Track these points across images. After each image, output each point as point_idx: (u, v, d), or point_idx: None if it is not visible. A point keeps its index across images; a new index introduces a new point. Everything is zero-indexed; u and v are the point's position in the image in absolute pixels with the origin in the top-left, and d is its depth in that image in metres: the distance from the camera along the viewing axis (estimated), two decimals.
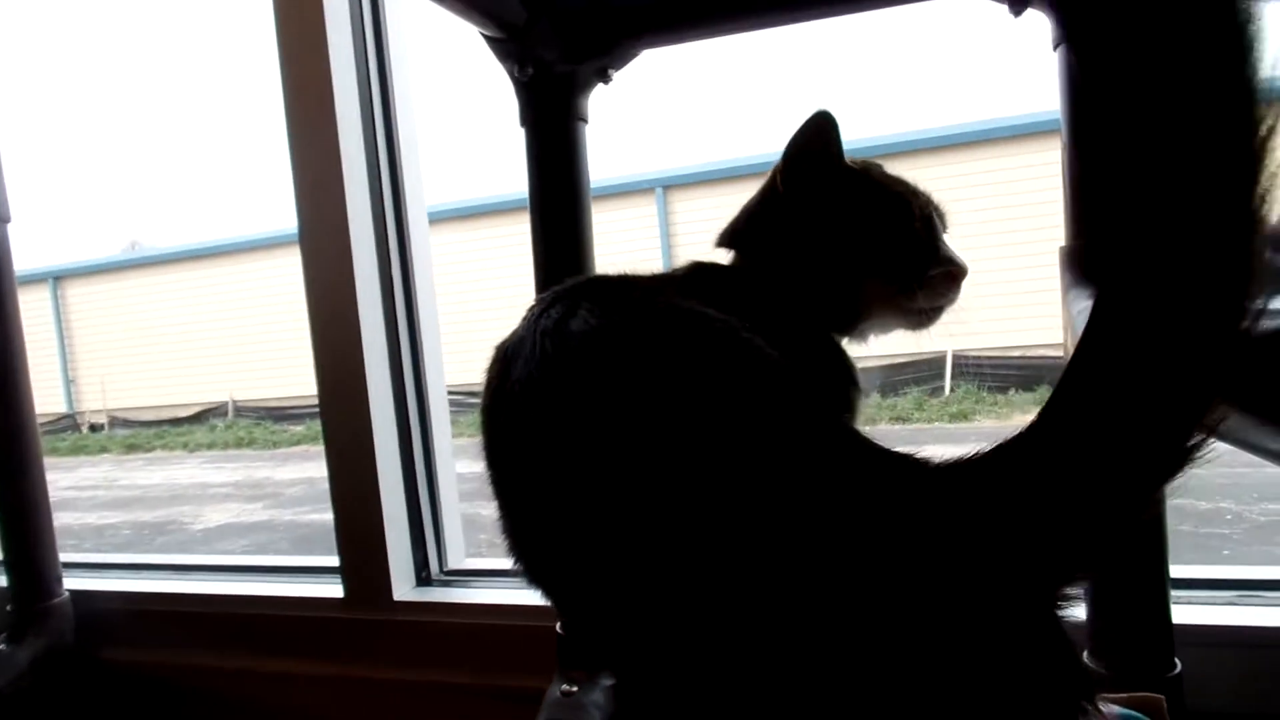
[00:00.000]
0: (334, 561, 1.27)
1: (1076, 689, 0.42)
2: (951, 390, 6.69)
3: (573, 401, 0.46)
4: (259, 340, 9.69)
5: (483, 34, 0.89)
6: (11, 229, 1.34)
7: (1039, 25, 0.77)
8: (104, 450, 9.56)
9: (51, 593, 1.36)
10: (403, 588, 1.24)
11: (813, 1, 0.86)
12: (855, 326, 0.72)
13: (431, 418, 1.29)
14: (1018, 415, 6.19)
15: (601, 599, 0.48)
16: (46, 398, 10.34)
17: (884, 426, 5.81)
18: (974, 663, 0.40)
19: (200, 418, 10.38)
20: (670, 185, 8.23)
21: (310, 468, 6.96)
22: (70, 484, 7.18)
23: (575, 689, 0.89)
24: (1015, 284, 5.79)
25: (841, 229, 0.69)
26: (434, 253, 1.32)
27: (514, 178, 0.97)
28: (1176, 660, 0.78)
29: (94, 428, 10.87)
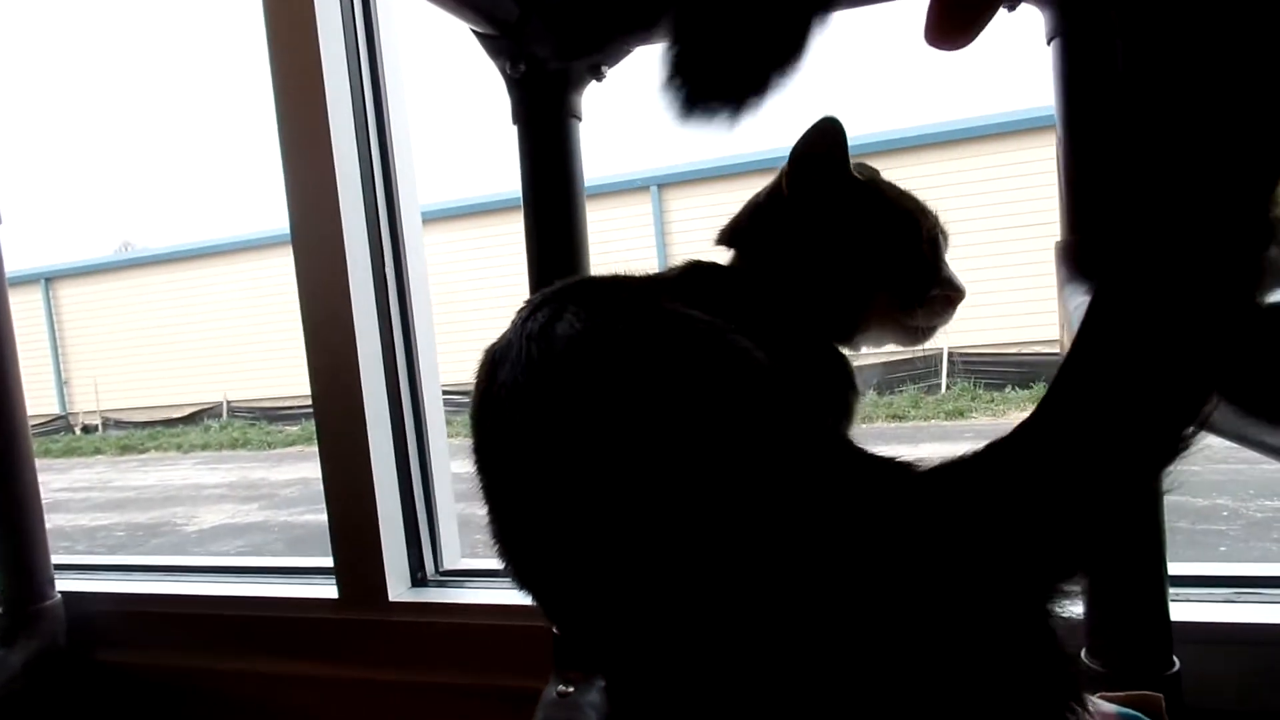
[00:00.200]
0: (329, 562, 1.27)
1: (1065, 691, 0.41)
2: (947, 388, 6.70)
3: (558, 407, 0.46)
4: (253, 340, 9.68)
5: (474, 30, 0.88)
6: (3, 229, 1.33)
7: (1033, 20, 0.77)
8: (98, 451, 9.52)
9: (43, 595, 1.35)
10: (398, 588, 1.23)
11: None
12: (851, 337, 0.72)
13: (426, 417, 1.29)
14: (1014, 412, 6.20)
15: (587, 605, 0.48)
16: (39, 399, 10.31)
17: (880, 424, 5.82)
18: (961, 666, 0.39)
19: (194, 418, 10.35)
20: (665, 183, 8.24)
21: (305, 468, 6.95)
22: (63, 485, 7.16)
23: (571, 689, 0.89)
24: (1010, 280, 5.81)
25: (848, 241, 0.69)
26: (428, 252, 1.32)
27: (507, 176, 0.97)
28: (1175, 658, 0.78)
29: (87, 429, 10.83)
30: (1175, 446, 0.38)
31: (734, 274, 0.70)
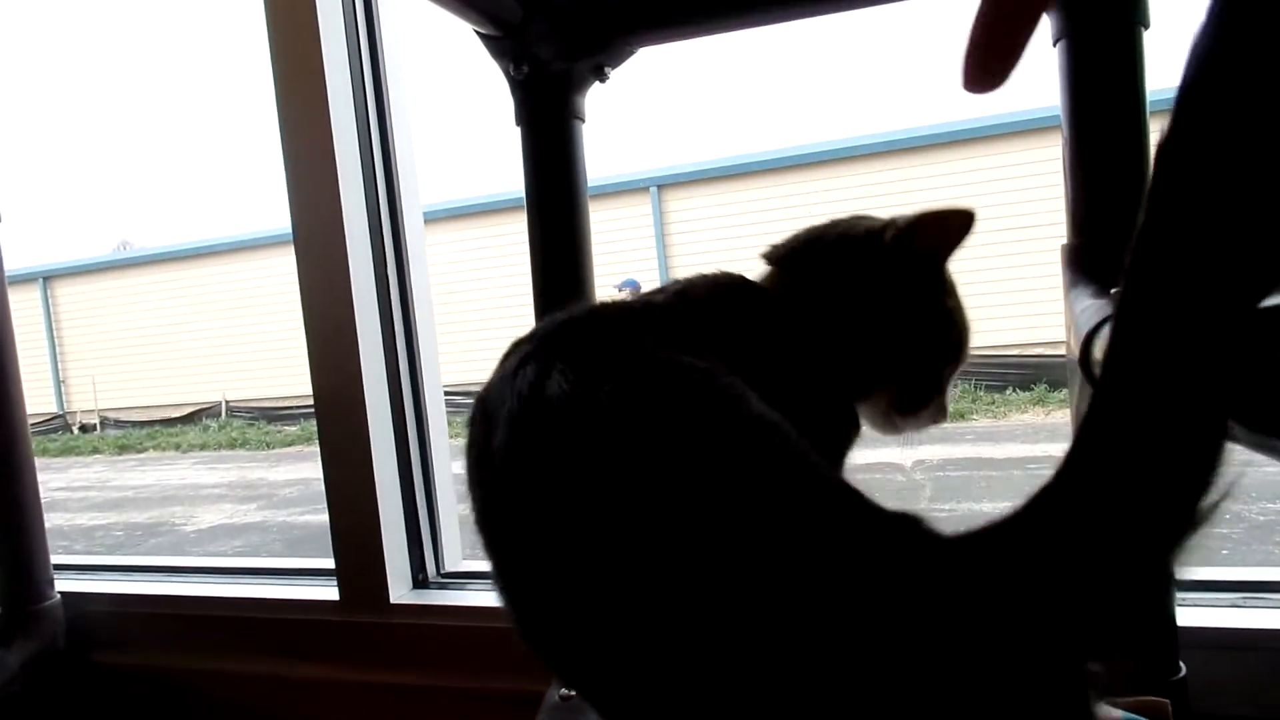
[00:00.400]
0: (329, 564, 1.26)
1: None
2: None
3: (549, 477, 0.46)
4: (252, 340, 9.68)
5: (478, 32, 0.88)
6: (2, 228, 1.33)
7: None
8: (95, 451, 9.52)
9: (42, 595, 1.35)
10: (399, 590, 1.23)
11: None
12: (846, 399, 0.70)
13: (428, 418, 1.28)
14: (1014, 414, 6.21)
15: (591, 672, 0.47)
16: (37, 398, 10.30)
17: None
18: None
19: (193, 418, 10.35)
20: (665, 184, 8.25)
21: (304, 468, 6.95)
22: (61, 485, 7.16)
23: (574, 693, 0.88)
24: (1011, 282, 5.81)
25: (904, 326, 0.67)
26: (430, 252, 1.31)
27: (510, 177, 0.97)
28: (1181, 663, 0.77)
29: (85, 428, 10.83)
30: (1200, 514, 0.37)
31: (770, 300, 0.67)
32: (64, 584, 1.40)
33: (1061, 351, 0.74)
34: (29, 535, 1.34)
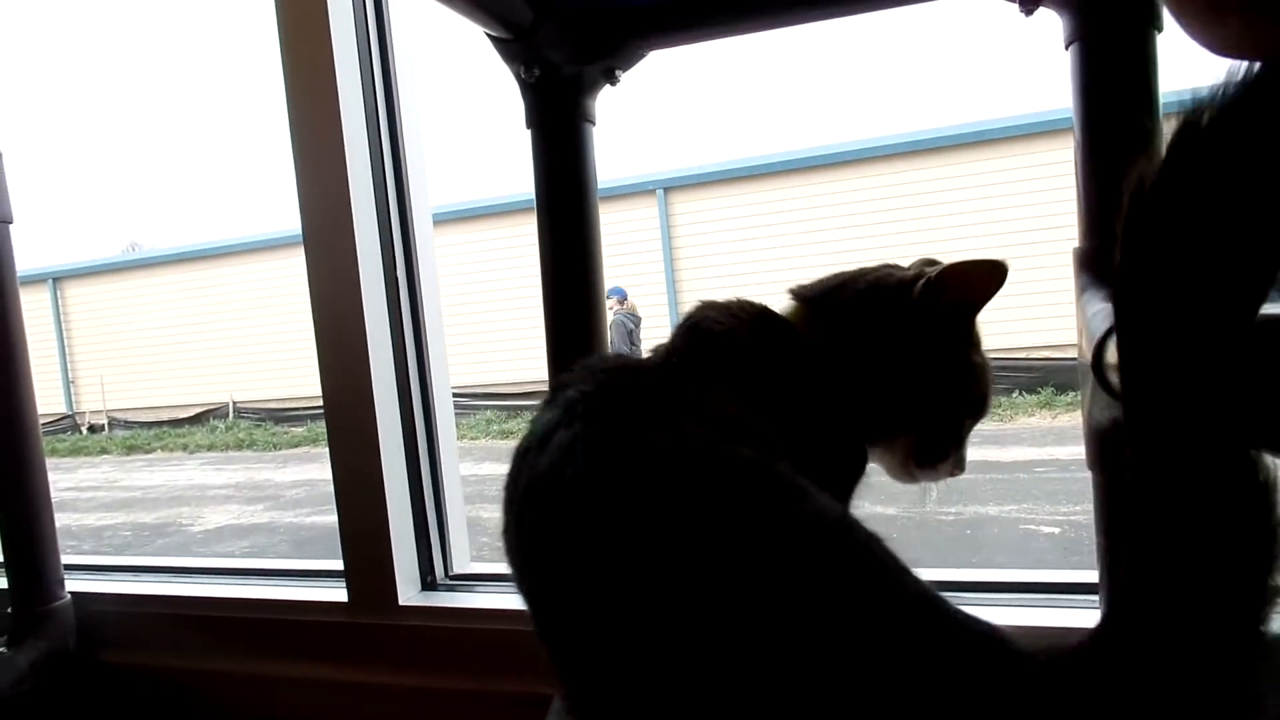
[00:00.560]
0: (338, 565, 1.26)
1: None
2: None
3: (577, 555, 0.47)
4: (259, 341, 9.71)
5: (489, 35, 0.88)
6: (12, 229, 1.33)
7: (1050, 24, 0.76)
8: (104, 451, 9.56)
9: (53, 595, 1.35)
10: (408, 592, 1.23)
11: (822, 1, 0.86)
12: (865, 443, 0.70)
13: (436, 420, 1.28)
14: (1020, 417, 6.19)
15: None
16: (46, 398, 10.34)
17: None
18: None
19: (200, 419, 10.38)
20: (671, 187, 8.25)
21: (311, 469, 6.97)
22: (70, 485, 7.18)
23: None
24: (1019, 285, 5.78)
25: (930, 376, 0.68)
26: (439, 254, 1.31)
27: (520, 179, 0.97)
28: None
29: (93, 429, 10.87)
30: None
31: (802, 343, 0.67)
32: (74, 584, 1.40)
33: (1068, 355, 0.74)
34: (39, 535, 1.35)
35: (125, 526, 5.48)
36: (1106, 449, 0.70)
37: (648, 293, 7.95)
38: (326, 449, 1.25)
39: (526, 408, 8.02)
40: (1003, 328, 6.15)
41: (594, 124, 0.92)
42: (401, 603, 1.22)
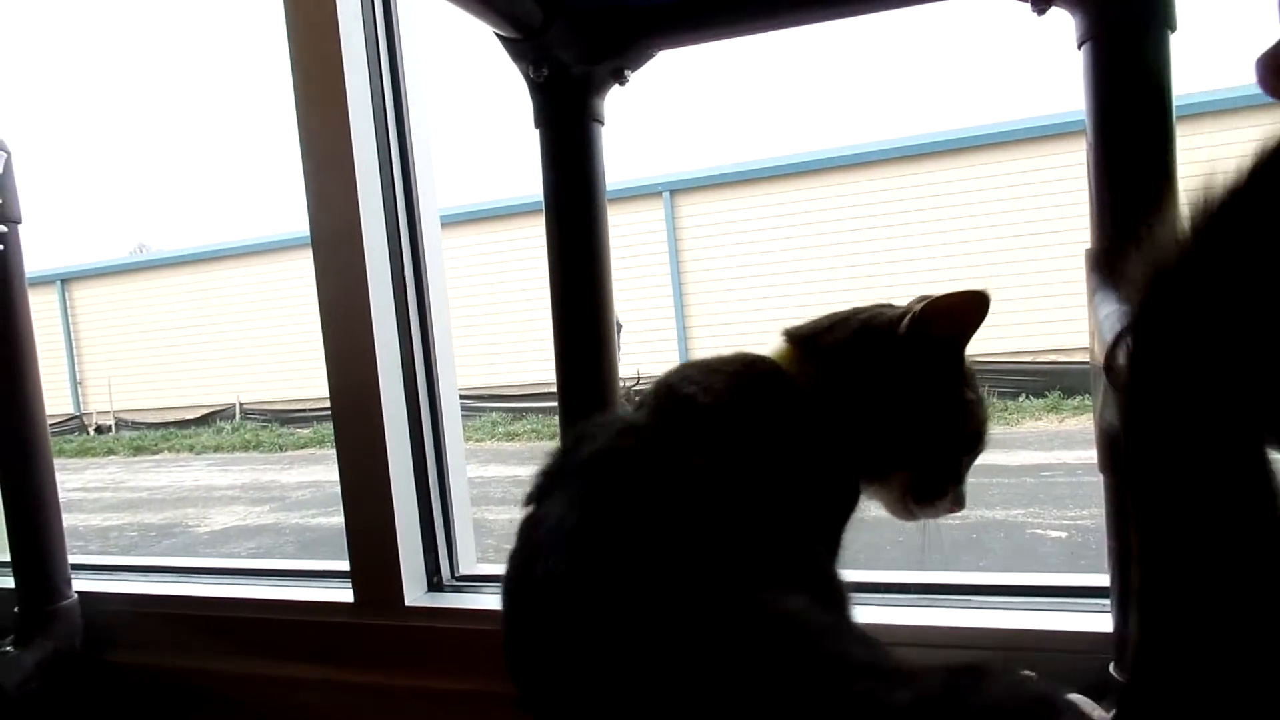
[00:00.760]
0: (344, 566, 1.26)
1: None
2: None
3: (579, 628, 0.52)
4: (266, 343, 9.73)
5: (498, 35, 0.88)
6: (21, 230, 1.34)
7: (1062, 23, 0.76)
8: (110, 452, 9.59)
9: (60, 595, 1.35)
10: (414, 593, 1.23)
11: (831, 1, 0.85)
12: (861, 481, 0.71)
13: (443, 421, 1.28)
14: (1027, 421, 6.17)
15: None
16: (53, 399, 10.38)
17: None
18: None
19: (207, 420, 10.41)
20: (678, 189, 8.25)
21: (317, 471, 6.98)
22: (77, 485, 7.21)
23: None
24: (1026, 288, 5.78)
25: (922, 413, 0.69)
26: (447, 255, 1.31)
27: (528, 180, 0.97)
28: None
29: (100, 429, 10.90)
30: None
31: (797, 393, 0.68)
32: (81, 584, 1.40)
33: (1075, 358, 0.73)
34: (47, 535, 1.35)
35: (132, 527, 5.50)
36: (1118, 452, 0.70)
37: (653, 296, 7.95)
38: (332, 450, 1.25)
39: (532, 410, 8.04)
40: (1009, 331, 6.14)
41: (603, 124, 0.92)
42: (408, 603, 1.21)
